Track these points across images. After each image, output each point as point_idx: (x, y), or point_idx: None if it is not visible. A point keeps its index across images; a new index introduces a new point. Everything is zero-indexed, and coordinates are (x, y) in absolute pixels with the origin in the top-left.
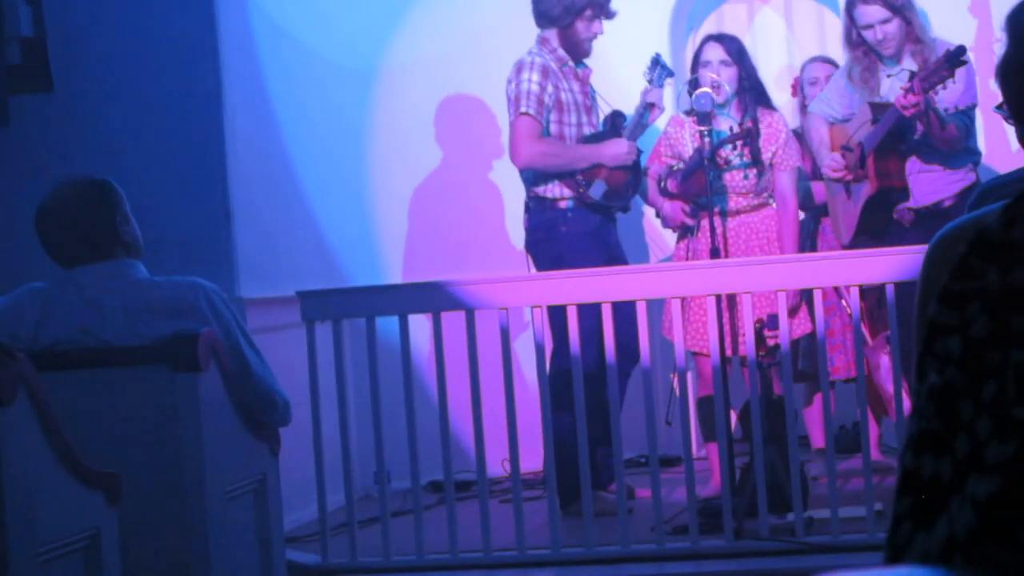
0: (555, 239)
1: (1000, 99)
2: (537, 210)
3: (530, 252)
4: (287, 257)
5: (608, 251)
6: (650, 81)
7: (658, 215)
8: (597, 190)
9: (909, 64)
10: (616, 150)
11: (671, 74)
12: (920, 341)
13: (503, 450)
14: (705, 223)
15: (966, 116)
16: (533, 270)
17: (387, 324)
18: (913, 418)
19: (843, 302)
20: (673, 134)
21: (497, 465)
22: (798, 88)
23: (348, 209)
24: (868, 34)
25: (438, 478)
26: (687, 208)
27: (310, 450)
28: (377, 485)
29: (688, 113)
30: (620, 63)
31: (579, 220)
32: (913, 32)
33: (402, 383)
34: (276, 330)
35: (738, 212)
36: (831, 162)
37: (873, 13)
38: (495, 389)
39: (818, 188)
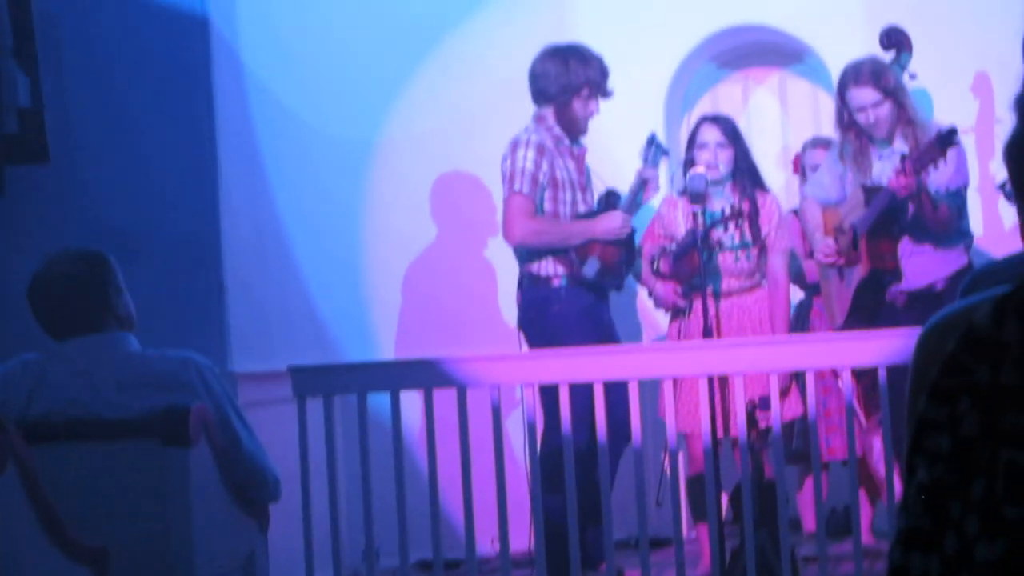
0: (548, 318)
1: (1003, 178)
2: (530, 288)
3: (523, 329)
4: (280, 331)
5: (602, 329)
6: (645, 160)
7: (650, 295)
8: (591, 268)
9: (901, 145)
10: (609, 224)
11: (666, 153)
12: (910, 436)
13: (492, 529)
14: (697, 304)
15: (957, 198)
16: (525, 348)
17: (379, 401)
18: (902, 514)
19: (839, 382)
20: (666, 214)
21: (486, 544)
22: (799, 167)
23: (341, 283)
24: (860, 117)
25: (427, 557)
26: (679, 289)
27: (299, 526)
28: (366, 563)
29: (682, 193)
30: (616, 141)
31: (572, 298)
32: (905, 114)
33: (393, 460)
34: (268, 404)
35: (730, 293)
36: (824, 247)
37: (865, 96)
38: (486, 467)
39: (810, 267)
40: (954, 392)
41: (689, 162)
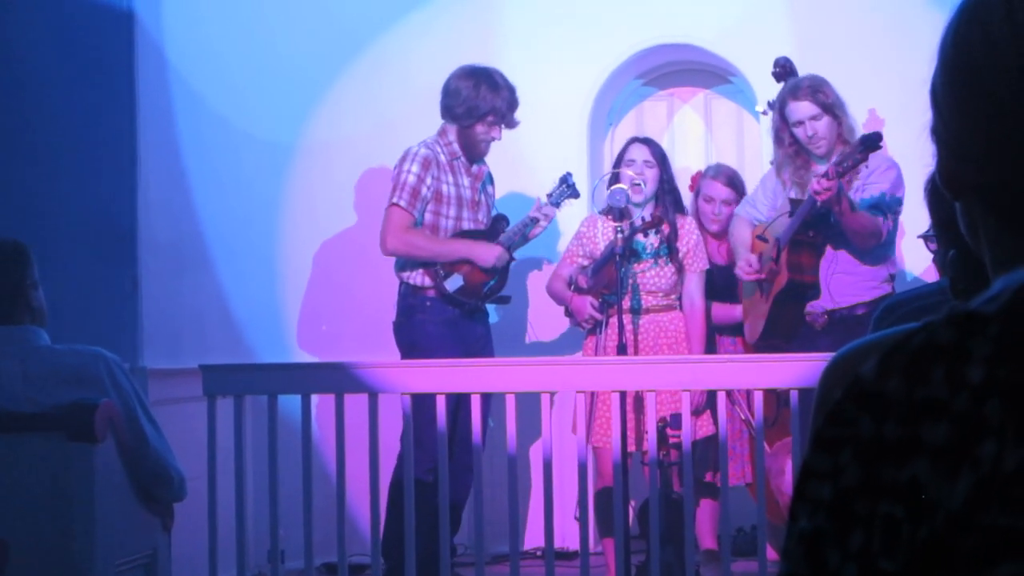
0: (411, 326)
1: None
2: (405, 295)
3: (394, 334)
4: (193, 329)
5: (465, 345)
6: (549, 196)
7: (567, 313)
8: (453, 283)
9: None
10: (487, 253)
11: (576, 195)
12: (794, 483)
13: None
14: (614, 319)
15: (881, 208)
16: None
17: (291, 402)
18: (782, 559)
19: (736, 408)
20: (586, 233)
21: None
22: (695, 188)
23: (257, 284)
24: (799, 131)
25: (332, 560)
26: (596, 303)
27: (204, 525)
28: (270, 564)
29: (603, 212)
30: (538, 152)
31: (437, 310)
32: (843, 133)
33: (301, 462)
34: (178, 402)
35: (648, 310)
36: (744, 262)
37: (803, 109)
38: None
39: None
40: (837, 442)
41: (613, 178)
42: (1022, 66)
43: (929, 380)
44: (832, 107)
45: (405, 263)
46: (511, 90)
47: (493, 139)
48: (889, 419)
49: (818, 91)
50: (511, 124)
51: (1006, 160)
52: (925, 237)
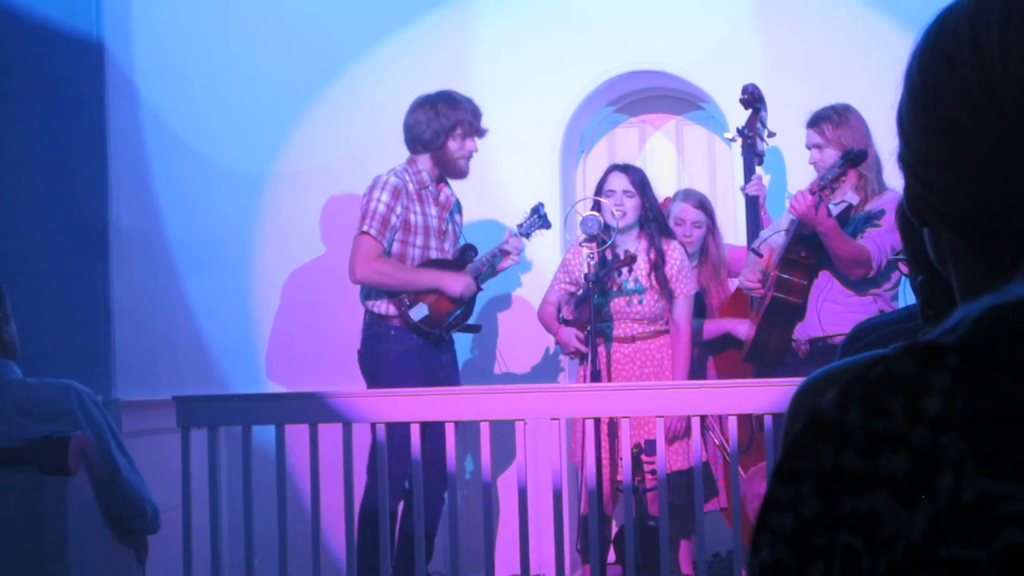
0: (376, 355)
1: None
2: (368, 323)
3: (359, 361)
4: (166, 360)
5: (431, 373)
6: (520, 226)
7: (557, 342)
8: (418, 312)
9: (852, 197)
10: (456, 283)
11: (547, 226)
12: (758, 513)
13: None
14: (602, 349)
15: (865, 226)
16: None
17: (266, 432)
18: None
19: (709, 434)
20: (571, 261)
21: None
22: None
23: (230, 314)
24: (809, 157)
25: None
26: (581, 335)
27: (180, 556)
28: None
29: (584, 242)
30: (510, 180)
31: (402, 339)
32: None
33: (276, 492)
34: (152, 434)
35: (635, 339)
36: (748, 274)
37: (810, 137)
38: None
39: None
40: (798, 474)
41: (595, 204)
42: (986, 95)
43: (888, 412)
44: (839, 142)
45: (371, 292)
46: (470, 100)
47: (470, 152)
48: (848, 450)
49: (829, 122)
50: (481, 132)
51: (971, 188)
52: (896, 260)
